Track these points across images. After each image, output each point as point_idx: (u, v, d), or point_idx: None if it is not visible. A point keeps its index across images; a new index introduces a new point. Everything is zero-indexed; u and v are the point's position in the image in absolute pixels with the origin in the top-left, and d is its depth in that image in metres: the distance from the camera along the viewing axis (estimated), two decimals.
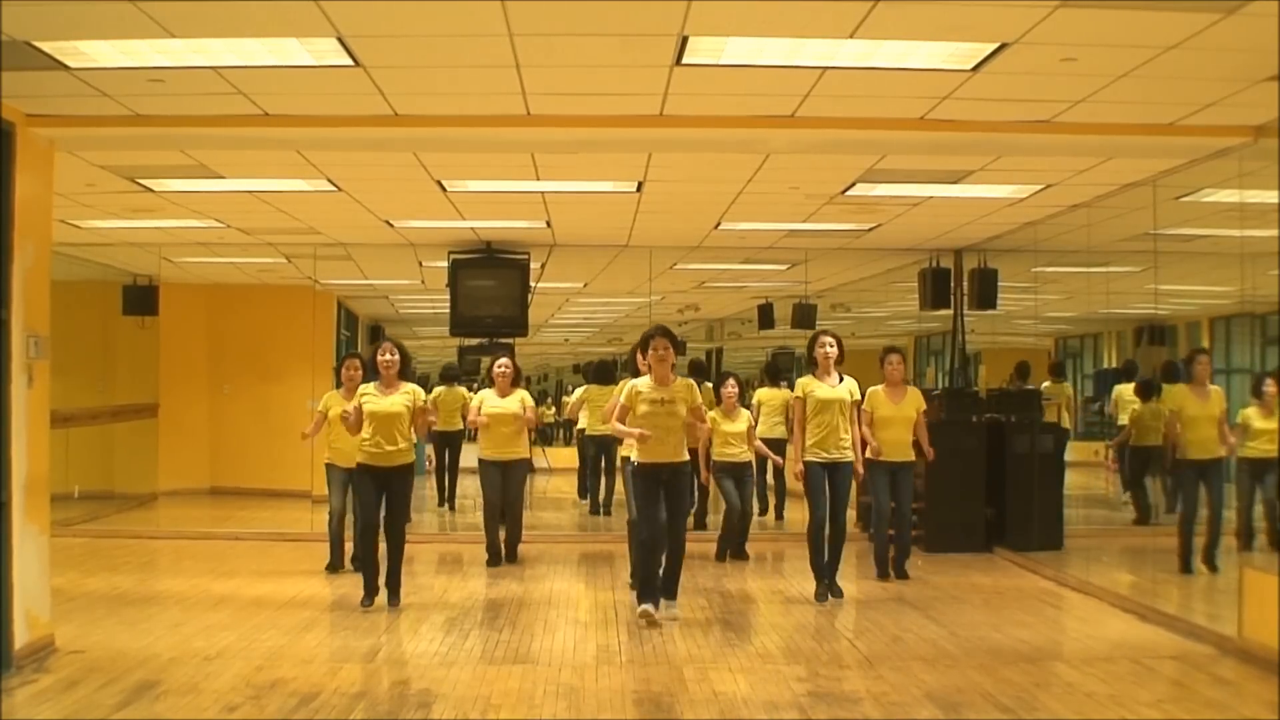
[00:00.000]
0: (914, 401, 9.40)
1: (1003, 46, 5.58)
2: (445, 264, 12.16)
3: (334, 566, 9.63)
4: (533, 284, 12.39)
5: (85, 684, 6.11)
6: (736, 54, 5.74)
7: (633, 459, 7.95)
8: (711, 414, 9.88)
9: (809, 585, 8.80)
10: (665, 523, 7.74)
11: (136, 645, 7.02)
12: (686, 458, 7.82)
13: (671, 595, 7.86)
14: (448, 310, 12.17)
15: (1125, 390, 13.30)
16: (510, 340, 13.12)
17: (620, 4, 5.12)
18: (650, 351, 7.74)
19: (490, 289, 12.00)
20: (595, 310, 19.97)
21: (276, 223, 10.85)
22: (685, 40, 5.52)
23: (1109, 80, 6.10)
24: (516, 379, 10.35)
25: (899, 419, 9.32)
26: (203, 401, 15.86)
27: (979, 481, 11.05)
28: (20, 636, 6.46)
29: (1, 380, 6.35)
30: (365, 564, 8.28)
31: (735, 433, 10.03)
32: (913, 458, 9.36)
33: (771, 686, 6.28)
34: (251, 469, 15.30)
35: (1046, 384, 14.39)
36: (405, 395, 8.23)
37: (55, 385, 7.12)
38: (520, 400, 10.15)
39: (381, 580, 8.25)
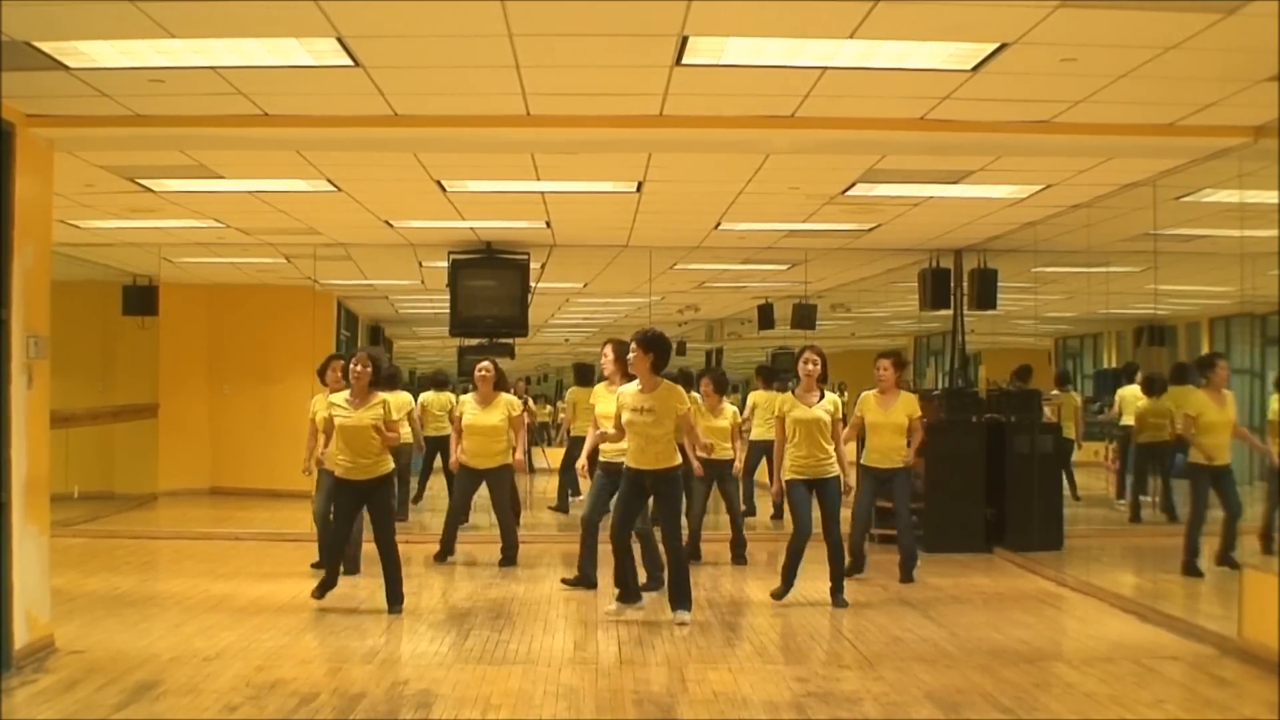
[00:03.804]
0: (905, 407, 9.32)
1: (1003, 46, 5.58)
2: (445, 264, 12.16)
3: (352, 571, 9.52)
4: (533, 284, 12.38)
5: (85, 684, 6.11)
6: (736, 54, 5.74)
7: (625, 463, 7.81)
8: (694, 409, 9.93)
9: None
10: (654, 527, 7.73)
11: (136, 645, 7.02)
12: (673, 463, 7.68)
13: (682, 604, 7.74)
14: (448, 310, 12.17)
15: (1128, 392, 13.31)
16: (510, 340, 13.11)
17: (620, 4, 5.12)
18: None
19: (490, 289, 12.00)
20: (595, 310, 19.98)
21: (276, 223, 10.85)
22: (685, 40, 5.52)
23: (1109, 80, 6.10)
24: (501, 383, 10.24)
25: (887, 425, 9.27)
26: (203, 401, 15.86)
27: (979, 481, 11.06)
28: (20, 637, 6.46)
29: (1, 380, 6.35)
30: (329, 566, 8.22)
31: (716, 428, 10.02)
32: (904, 464, 9.31)
33: (771, 686, 6.28)
34: (251, 469, 15.30)
35: (1054, 393, 14.33)
36: (377, 408, 8.06)
37: (55, 385, 7.11)
38: (504, 411, 10.04)
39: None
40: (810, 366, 8.37)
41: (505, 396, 10.19)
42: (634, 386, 7.69)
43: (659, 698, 6.03)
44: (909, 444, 9.35)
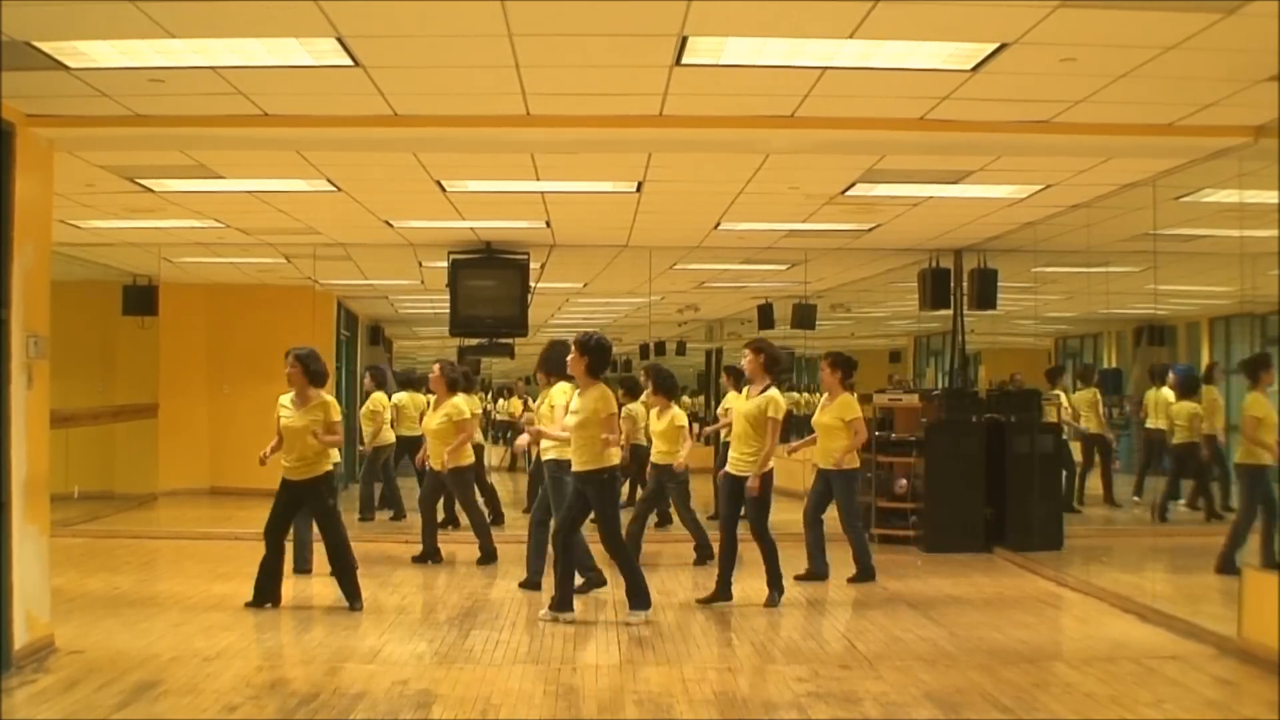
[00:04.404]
0: (838, 410, 9.38)
1: (1003, 46, 5.58)
2: (445, 264, 12.16)
3: (301, 570, 9.50)
4: (532, 284, 12.38)
5: (85, 684, 6.11)
6: (736, 54, 5.74)
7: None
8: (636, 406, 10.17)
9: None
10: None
11: (136, 645, 7.02)
12: (597, 465, 7.71)
13: (636, 605, 7.81)
14: (448, 310, 12.18)
15: (1158, 395, 13.25)
16: (510, 340, 13.11)
17: (620, 4, 5.12)
18: None
19: (490, 289, 12.00)
20: (595, 310, 19.98)
21: (276, 223, 10.85)
22: (685, 40, 5.52)
23: (1109, 80, 6.10)
24: (462, 384, 10.34)
25: (819, 425, 9.43)
26: (203, 401, 15.86)
27: (979, 481, 11.06)
28: (20, 637, 6.46)
29: (1, 380, 6.35)
30: (266, 568, 8.20)
31: (656, 432, 10.07)
32: (836, 465, 9.28)
33: (771, 686, 6.29)
34: (251, 469, 15.00)
35: (1078, 392, 14.27)
36: (315, 409, 8.18)
37: (55, 385, 7.12)
38: (446, 413, 10.11)
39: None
40: (744, 362, 8.56)
41: (454, 400, 10.22)
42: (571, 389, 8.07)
43: (659, 698, 6.03)
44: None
